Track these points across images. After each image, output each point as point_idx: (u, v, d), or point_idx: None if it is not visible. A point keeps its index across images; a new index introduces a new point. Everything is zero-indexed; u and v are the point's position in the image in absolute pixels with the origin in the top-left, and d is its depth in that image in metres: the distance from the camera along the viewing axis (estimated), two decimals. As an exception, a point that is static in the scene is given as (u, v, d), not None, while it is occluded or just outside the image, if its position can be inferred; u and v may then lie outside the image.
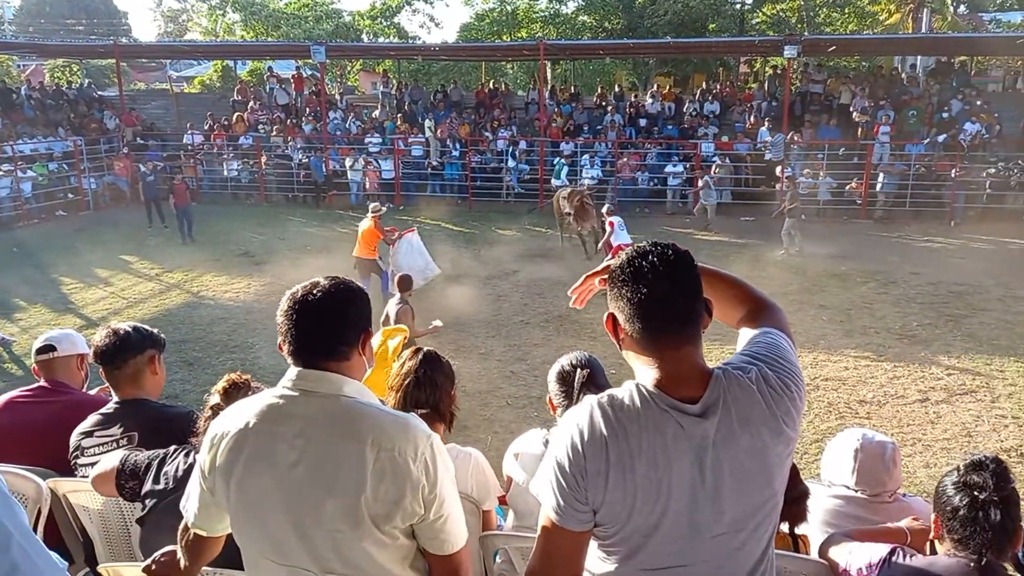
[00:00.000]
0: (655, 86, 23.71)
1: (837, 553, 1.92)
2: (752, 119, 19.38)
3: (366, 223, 10.39)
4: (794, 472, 2.15)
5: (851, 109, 18.88)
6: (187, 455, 2.25)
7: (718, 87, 22.27)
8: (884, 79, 20.57)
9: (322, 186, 19.06)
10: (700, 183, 16.19)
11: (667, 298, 1.43)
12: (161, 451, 2.31)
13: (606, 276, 1.70)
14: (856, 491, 2.32)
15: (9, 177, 16.76)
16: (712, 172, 17.03)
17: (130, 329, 2.74)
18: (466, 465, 2.36)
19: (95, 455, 2.52)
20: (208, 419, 2.18)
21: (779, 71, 21.90)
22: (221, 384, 2.22)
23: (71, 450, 2.64)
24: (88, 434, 2.62)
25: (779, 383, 1.47)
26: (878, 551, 1.81)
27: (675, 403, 1.42)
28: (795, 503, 2.10)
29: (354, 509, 1.54)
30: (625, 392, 1.46)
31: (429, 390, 2.47)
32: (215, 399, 2.21)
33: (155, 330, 2.85)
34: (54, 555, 1.88)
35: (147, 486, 2.24)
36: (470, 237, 15.06)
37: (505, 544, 2.27)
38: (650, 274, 1.44)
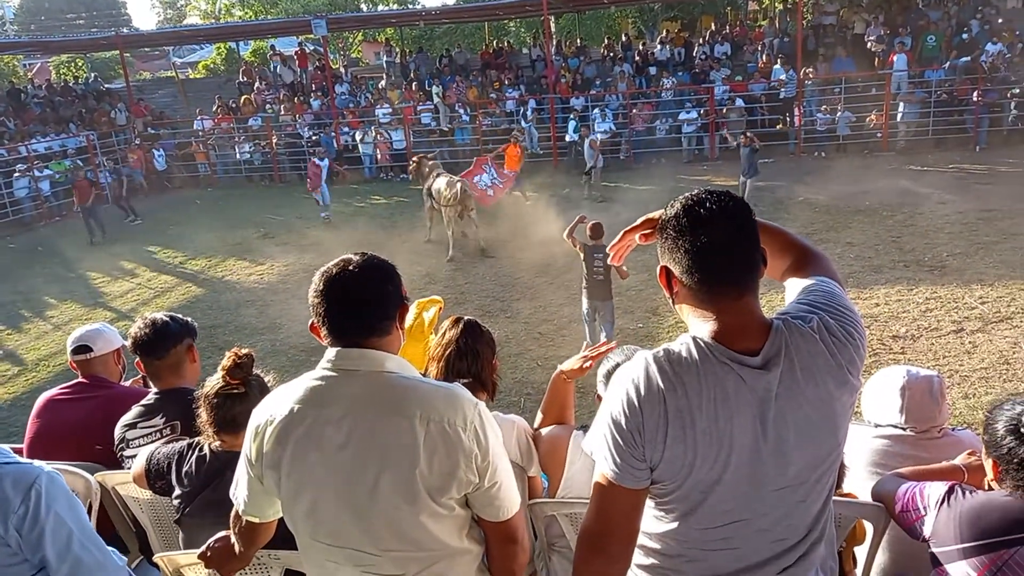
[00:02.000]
0: (663, 32, 23.17)
1: (892, 493, 1.90)
2: (764, 57, 18.92)
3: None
4: None
5: (866, 39, 18.35)
6: (200, 449, 2.26)
7: (727, 28, 21.74)
8: (899, 4, 19.92)
9: (334, 162, 19.00)
10: (586, 143, 15.45)
11: (728, 246, 1.39)
12: (177, 448, 2.32)
13: (647, 231, 1.67)
14: (904, 429, 2.29)
15: (26, 177, 16.89)
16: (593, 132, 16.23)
17: (167, 319, 2.76)
18: (511, 432, 2.36)
19: (140, 446, 2.56)
20: (213, 406, 2.15)
21: (789, 5, 21.35)
22: (227, 361, 2.14)
23: (116, 443, 2.68)
24: (131, 426, 2.65)
25: (841, 331, 1.43)
26: (936, 489, 1.79)
27: (735, 355, 1.38)
28: None
29: (409, 484, 1.53)
30: (681, 345, 1.41)
31: (471, 359, 2.46)
32: (217, 381, 2.16)
33: (188, 318, 2.86)
34: (113, 550, 1.92)
35: (174, 487, 2.27)
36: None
37: (554, 511, 2.27)
38: (710, 221, 1.39)
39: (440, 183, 11.54)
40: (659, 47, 20.90)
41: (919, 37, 17.72)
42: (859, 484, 2.22)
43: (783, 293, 1.66)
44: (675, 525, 1.46)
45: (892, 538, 2.08)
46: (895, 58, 16.80)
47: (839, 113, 16.45)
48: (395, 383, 1.58)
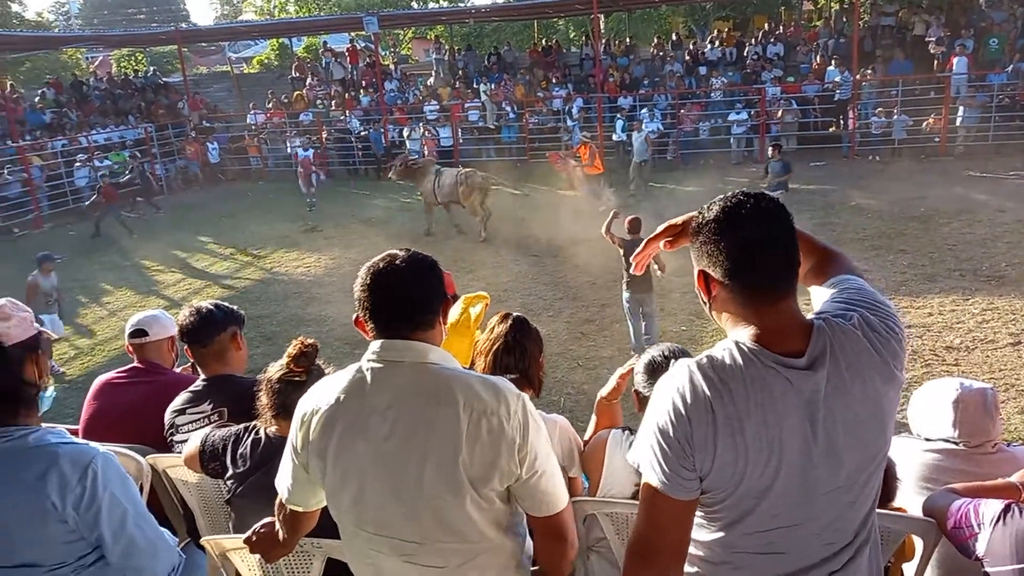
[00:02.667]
0: (714, 31, 22.86)
1: (945, 509, 1.85)
2: (819, 58, 18.53)
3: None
4: None
5: (927, 40, 17.82)
6: (256, 433, 2.30)
7: (780, 28, 21.35)
8: (961, 5, 19.32)
9: (382, 158, 19.24)
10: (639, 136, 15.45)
11: (769, 246, 1.37)
12: (233, 432, 2.37)
13: (670, 238, 1.66)
14: (957, 443, 2.22)
15: (87, 167, 17.43)
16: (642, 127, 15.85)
17: (212, 307, 2.81)
18: (552, 431, 2.36)
19: (189, 431, 2.63)
20: (275, 391, 2.21)
21: (846, 5, 20.83)
22: (293, 349, 2.19)
23: (166, 428, 2.75)
24: (180, 412, 2.72)
25: (883, 326, 1.42)
26: (992, 507, 1.73)
27: (780, 358, 1.35)
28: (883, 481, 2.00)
29: (452, 474, 1.54)
30: (724, 352, 1.39)
31: (518, 355, 2.47)
32: (280, 368, 2.20)
33: (235, 307, 2.91)
34: (165, 531, 1.98)
35: (228, 468, 2.32)
36: (530, 199, 14.97)
37: (595, 510, 2.27)
38: (750, 222, 1.37)
39: (449, 177, 12.25)
40: (710, 47, 20.64)
41: (981, 39, 17.17)
42: (909, 499, 2.17)
43: (804, 296, 1.64)
44: (722, 533, 1.43)
45: (943, 555, 2.02)
46: (955, 61, 16.31)
47: (895, 116, 16.04)
48: (439, 373, 1.60)
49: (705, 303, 1.50)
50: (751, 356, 1.37)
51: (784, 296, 1.39)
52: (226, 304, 2.89)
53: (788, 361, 1.36)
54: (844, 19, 19.95)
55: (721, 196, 1.45)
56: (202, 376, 2.80)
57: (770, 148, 12.38)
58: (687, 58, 20.18)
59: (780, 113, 16.93)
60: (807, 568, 1.42)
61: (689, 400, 1.35)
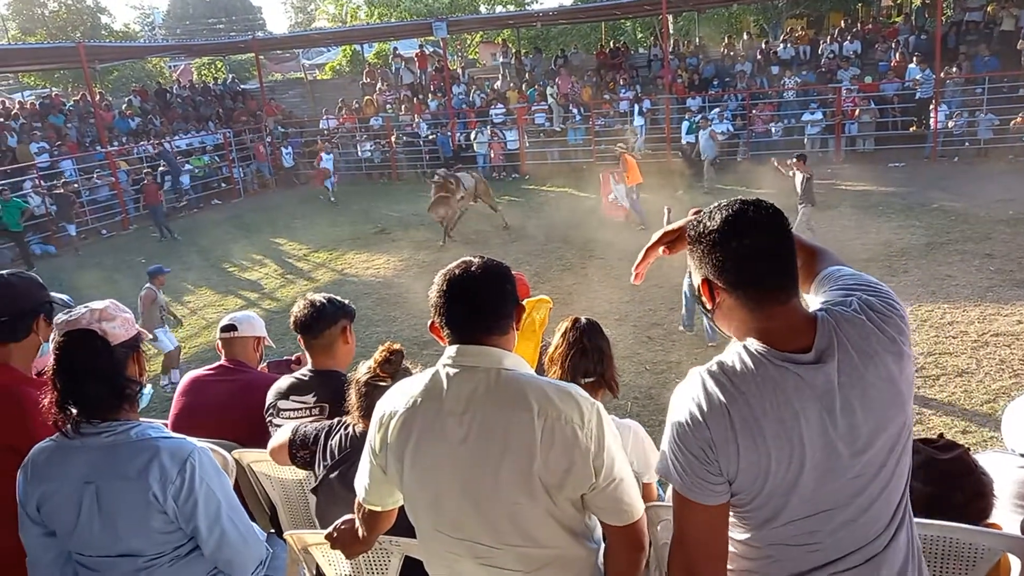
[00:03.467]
0: (787, 30, 22.31)
1: None
2: (898, 56, 17.87)
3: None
4: (965, 465, 1.94)
5: (1020, 36, 16.92)
6: (347, 428, 2.37)
7: (858, 25, 20.67)
8: (1053, -2, 18.33)
9: (449, 160, 19.47)
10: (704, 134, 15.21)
11: (774, 250, 1.40)
12: (326, 423, 2.45)
13: (668, 243, 1.68)
14: (1055, 460, 2.12)
15: (170, 171, 18.21)
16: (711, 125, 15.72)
17: (325, 300, 2.89)
18: (626, 438, 2.36)
19: (287, 418, 2.74)
20: (362, 394, 2.28)
21: (928, 1, 20.03)
22: (379, 354, 2.28)
23: (266, 407, 2.85)
24: (284, 396, 2.82)
25: (883, 305, 1.44)
26: None
27: (788, 356, 1.38)
28: (969, 503, 1.92)
29: (528, 478, 1.56)
30: (733, 356, 1.41)
31: (596, 358, 2.48)
32: (367, 371, 2.28)
33: (347, 301, 2.98)
34: (255, 526, 2.06)
35: (317, 457, 2.39)
36: (596, 202, 14.90)
37: (669, 516, 2.25)
38: (754, 228, 1.40)
39: (467, 179, 13.22)
40: (783, 46, 20.13)
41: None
42: (1004, 518, 2.07)
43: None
44: (758, 530, 1.44)
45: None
46: (1047, 56, 15.49)
47: (981, 115, 15.33)
48: (514, 379, 1.62)
49: (709, 311, 1.51)
50: (760, 358, 1.39)
51: (790, 296, 1.43)
52: (339, 298, 2.96)
53: (797, 358, 1.38)
54: (926, 15, 19.17)
55: (719, 204, 1.46)
56: (310, 366, 2.89)
57: (794, 161, 10.76)
58: (758, 57, 19.74)
59: (857, 112, 16.39)
60: (848, 555, 1.43)
61: (705, 407, 1.38)
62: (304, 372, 2.87)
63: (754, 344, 1.41)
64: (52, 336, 1.94)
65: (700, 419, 1.38)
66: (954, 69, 16.42)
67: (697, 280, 1.49)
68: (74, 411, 1.83)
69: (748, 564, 1.49)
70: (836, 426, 1.36)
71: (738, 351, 1.42)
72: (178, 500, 1.82)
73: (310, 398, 2.78)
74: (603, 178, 13.34)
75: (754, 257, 1.40)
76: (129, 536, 1.85)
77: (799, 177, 10.62)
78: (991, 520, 2.00)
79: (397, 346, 2.29)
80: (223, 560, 1.94)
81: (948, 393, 5.93)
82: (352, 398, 2.30)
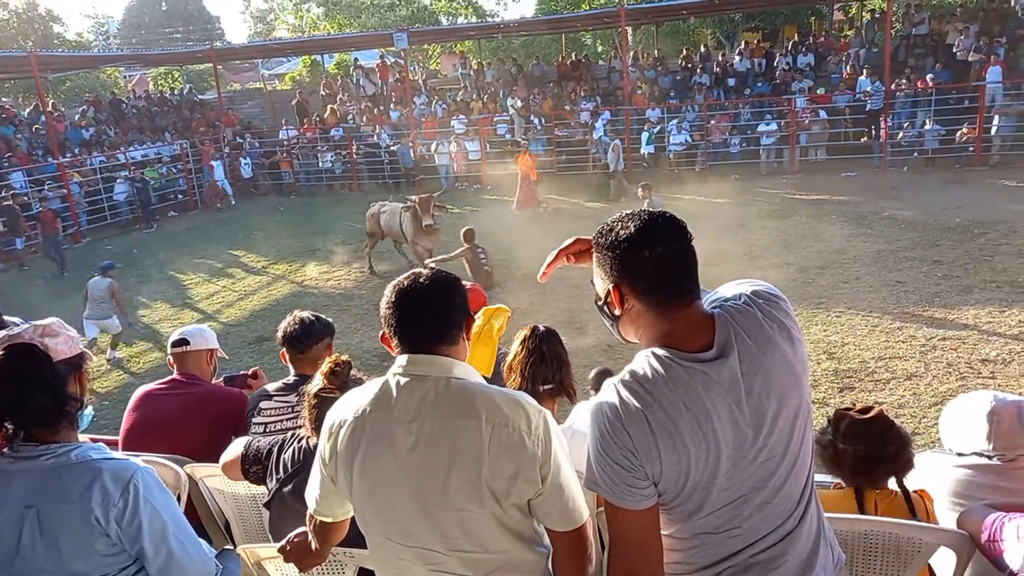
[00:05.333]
0: (743, 43, 22.76)
1: (980, 522, 1.83)
2: (849, 68, 18.37)
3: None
4: (887, 422, 2.15)
5: (955, 49, 17.55)
6: (300, 441, 2.37)
7: (811, 38, 21.19)
8: (996, 13, 19.03)
9: (410, 171, 19.44)
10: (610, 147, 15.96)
11: (681, 257, 1.48)
12: (280, 437, 2.44)
13: (575, 252, 1.78)
14: (991, 458, 2.19)
15: (126, 182, 17.86)
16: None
17: (314, 318, 3.04)
18: (580, 444, 2.38)
19: (269, 416, 2.77)
20: (312, 406, 2.27)
21: (877, 15, 20.64)
22: (326, 367, 2.29)
23: (248, 408, 2.92)
24: (268, 396, 2.89)
25: (767, 294, 1.53)
26: None
27: (694, 356, 1.44)
28: (898, 454, 2.10)
29: (475, 486, 1.58)
30: (643, 364, 1.47)
31: (554, 366, 2.51)
32: (317, 383, 2.29)
33: (330, 319, 3.13)
34: (203, 543, 2.03)
35: (270, 471, 2.38)
36: (558, 213, 15.01)
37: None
38: (663, 237, 1.47)
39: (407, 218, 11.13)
40: (739, 58, 20.55)
41: (1016, 47, 16.88)
42: (940, 516, 2.15)
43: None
44: (684, 523, 1.51)
45: (976, 570, 2.00)
46: (989, 69, 16.05)
47: (928, 127, 15.82)
48: (462, 388, 1.64)
49: (613, 319, 1.56)
50: (669, 361, 1.45)
51: (695, 298, 1.50)
52: (324, 316, 3.12)
53: (701, 356, 1.44)
54: (876, 28, 19.75)
55: (625, 214, 1.53)
56: (293, 372, 3.01)
57: (640, 189, 12.08)
58: (715, 70, 20.12)
59: (808, 123, 16.80)
60: (765, 535, 1.50)
61: (623, 415, 1.43)
62: (288, 377, 3.00)
63: (661, 350, 1.47)
64: None
65: (621, 427, 1.43)
66: (903, 82, 16.93)
67: (605, 287, 1.54)
68: (10, 427, 1.79)
69: (676, 556, 1.55)
70: (744, 414, 1.43)
71: (647, 358, 1.48)
72: (121, 523, 1.79)
73: (292, 398, 2.86)
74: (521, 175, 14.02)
75: (665, 264, 1.46)
76: (73, 560, 1.81)
77: (644, 204, 11.31)
78: (921, 488, 2.10)
79: (344, 357, 2.29)
80: None
81: (898, 396, 6.09)
82: (304, 411, 2.30)
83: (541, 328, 2.68)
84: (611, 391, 1.47)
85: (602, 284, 1.56)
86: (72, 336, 1.94)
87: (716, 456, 1.43)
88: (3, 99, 29.63)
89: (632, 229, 1.48)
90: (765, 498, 1.48)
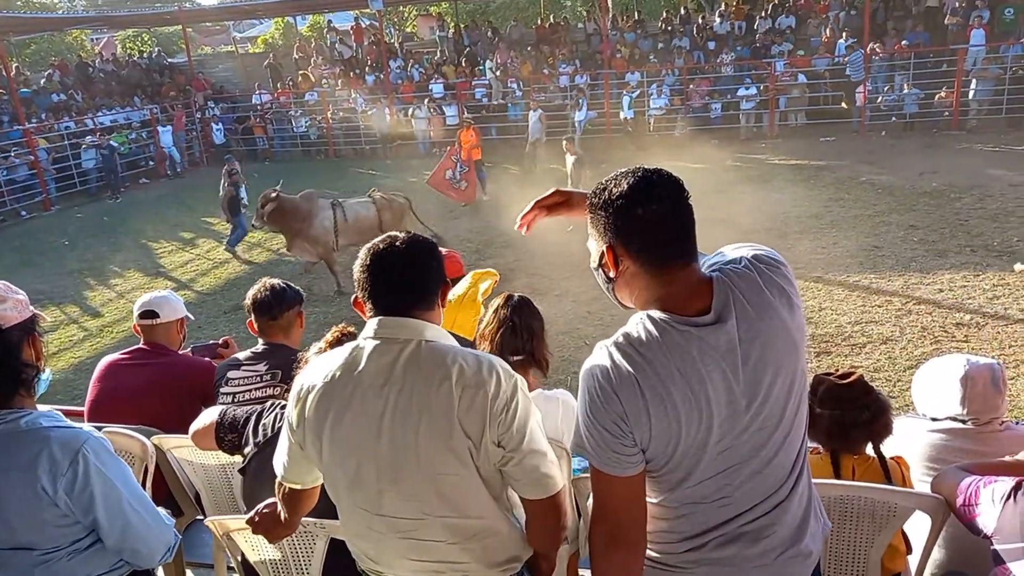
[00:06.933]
0: (723, 5, 22.54)
1: (955, 486, 1.83)
2: (828, 31, 18.26)
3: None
4: (865, 387, 2.14)
5: (945, 12, 17.45)
6: (283, 408, 2.31)
7: (791, 1, 21.01)
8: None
9: (386, 137, 19.16)
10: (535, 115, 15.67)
11: (677, 216, 1.43)
12: (258, 406, 2.39)
13: (548, 206, 1.77)
14: (965, 421, 2.20)
15: (93, 148, 17.42)
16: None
17: (285, 285, 3.01)
18: (555, 410, 2.35)
19: (237, 386, 2.73)
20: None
21: (858, -23, 20.45)
22: (332, 335, 2.24)
23: (216, 378, 2.87)
24: (235, 366, 2.85)
25: (769, 259, 1.49)
26: (1002, 484, 1.71)
27: (690, 320, 1.40)
28: (874, 419, 2.10)
29: (448, 448, 1.55)
30: (638, 326, 1.43)
31: (526, 336, 2.47)
32: (315, 352, 2.23)
33: (299, 288, 3.10)
34: (162, 510, 1.98)
35: (247, 438, 2.32)
36: (536, 178, 14.89)
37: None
38: (659, 195, 1.42)
39: (362, 207, 9.77)
40: (719, 20, 20.36)
41: (995, 10, 16.85)
42: (915, 481, 2.15)
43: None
44: (672, 492, 1.48)
45: (950, 534, 2.01)
46: (972, 32, 16.00)
47: (906, 90, 15.82)
48: (433, 350, 1.60)
49: (608, 280, 1.51)
50: (664, 324, 1.41)
51: (692, 260, 1.46)
52: (293, 284, 3.09)
53: (697, 320, 1.40)
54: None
55: (620, 172, 1.48)
56: (263, 341, 2.98)
57: (564, 142, 11.70)
58: (696, 33, 19.93)
59: (787, 87, 16.74)
60: (755, 505, 1.48)
61: (614, 379, 1.39)
62: (257, 347, 2.97)
63: (656, 313, 1.43)
64: None
65: (611, 392, 1.39)
66: (877, 45, 16.85)
67: (600, 248, 1.49)
68: None
69: (662, 524, 1.52)
70: (739, 382, 1.40)
71: (641, 320, 1.43)
72: (71, 493, 1.73)
73: (262, 367, 2.83)
74: (447, 154, 13.12)
75: (660, 222, 1.42)
76: (22, 530, 1.75)
77: (569, 159, 11.38)
78: (898, 454, 2.10)
79: (351, 329, 2.23)
80: (128, 550, 1.86)
81: (874, 360, 6.14)
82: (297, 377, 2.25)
83: (515, 297, 2.64)
84: (603, 353, 1.42)
85: (596, 246, 1.51)
86: (21, 299, 1.85)
87: (708, 424, 1.40)
88: (-35, 63, 28.71)
89: (625, 187, 1.43)
90: (756, 467, 1.45)
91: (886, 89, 16.26)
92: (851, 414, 2.08)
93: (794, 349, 1.46)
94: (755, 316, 1.41)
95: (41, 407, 1.89)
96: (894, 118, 16.14)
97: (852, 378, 2.13)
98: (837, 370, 2.21)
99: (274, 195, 8.97)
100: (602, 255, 1.48)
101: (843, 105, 16.95)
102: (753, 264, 1.46)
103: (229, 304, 9.17)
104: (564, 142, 11.75)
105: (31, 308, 1.88)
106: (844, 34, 17.37)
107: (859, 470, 2.09)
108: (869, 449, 2.11)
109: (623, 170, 1.48)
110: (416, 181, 15.09)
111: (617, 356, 1.40)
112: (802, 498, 1.53)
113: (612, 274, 1.48)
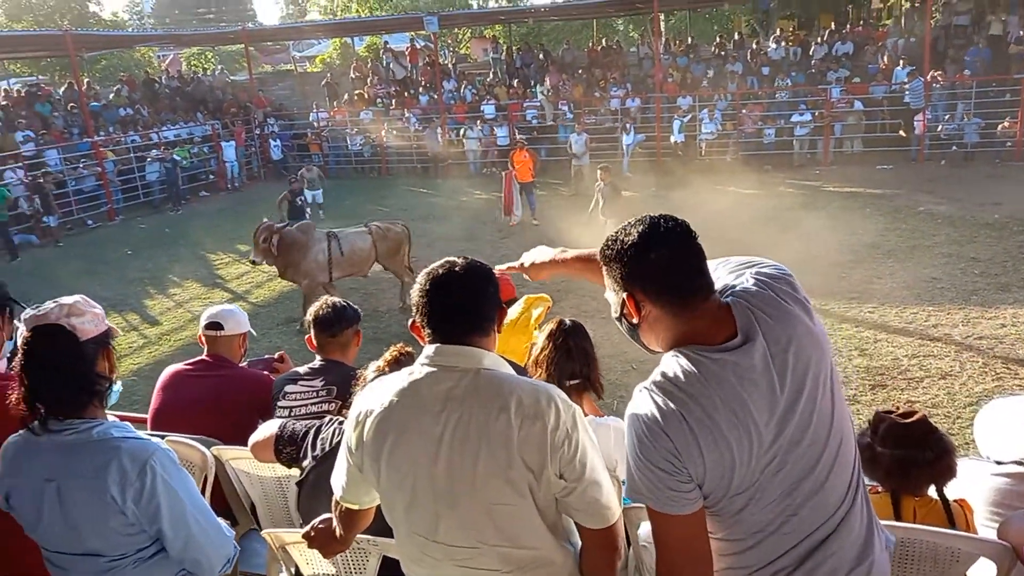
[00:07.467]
0: (778, 30, 22.35)
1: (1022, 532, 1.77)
2: (886, 59, 17.95)
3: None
4: (928, 427, 2.10)
5: (1008, 40, 17.02)
6: (341, 424, 2.36)
7: (848, 26, 20.75)
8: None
9: (438, 156, 19.43)
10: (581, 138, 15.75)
11: (689, 255, 1.47)
12: (317, 421, 2.44)
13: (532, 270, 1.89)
14: (1031, 466, 2.13)
15: (157, 162, 18.04)
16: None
17: (345, 304, 3.13)
18: (606, 437, 2.34)
19: (294, 400, 2.83)
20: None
21: (917, 4, 20.12)
22: (390, 354, 2.29)
23: (274, 391, 2.97)
24: (293, 380, 2.94)
25: (774, 273, 1.53)
26: None
27: (720, 347, 1.43)
28: (937, 460, 2.05)
29: (505, 479, 1.56)
30: (672, 364, 1.45)
31: (581, 360, 2.48)
32: (376, 368, 2.28)
33: (357, 307, 3.23)
34: (222, 523, 2.03)
35: (304, 452, 2.37)
36: (582, 201, 14.90)
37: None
38: (672, 240, 1.47)
39: (358, 238, 9.18)
40: (773, 46, 20.19)
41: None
42: (978, 526, 2.09)
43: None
44: (734, 524, 1.47)
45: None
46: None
47: (967, 120, 15.43)
48: (491, 379, 1.61)
49: (632, 327, 1.55)
50: (697, 357, 1.43)
51: (709, 293, 1.48)
52: (354, 305, 3.22)
53: (727, 346, 1.43)
54: (915, 18, 19.27)
55: (627, 223, 1.53)
56: (320, 358, 3.07)
57: (599, 170, 11.59)
58: (750, 58, 19.80)
59: (843, 113, 16.47)
60: (819, 526, 1.47)
61: (660, 418, 1.41)
62: (314, 362, 3.06)
63: (686, 348, 1.46)
64: (20, 332, 1.90)
65: (659, 431, 1.40)
66: (938, 73, 16.50)
67: (619, 297, 1.53)
68: (42, 408, 1.81)
69: (729, 560, 1.51)
70: (780, 397, 1.41)
71: (674, 357, 1.46)
72: (138, 503, 1.79)
73: (318, 382, 2.91)
74: (506, 178, 13.07)
75: (674, 264, 1.46)
76: (90, 536, 1.82)
77: (601, 185, 11.32)
78: (961, 497, 2.04)
79: (408, 349, 2.28)
80: (190, 560, 1.92)
81: (931, 395, 5.97)
82: (357, 395, 2.31)
83: (567, 322, 2.65)
84: (644, 396, 1.44)
85: (615, 296, 1.55)
86: (98, 314, 1.94)
87: (759, 446, 1.40)
88: (40, 77, 30.07)
89: (635, 235, 1.48)
90: (814, 485, 1.45)
91: (947, 118, 15.90)
92: (913, 454, 2.03)
93: (822, 351, 1.48)
94: (779, 328, 1.44)
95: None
96: (954, 147, 15.76)
97: (915, 417, 2.09)
98: (898, 407, 2.17)
99: (277, 227, 8.72)
100: (623, 304, 1.52)
101: (901, 133, 16.61)
102: (762, 280, 1.50)
103: (282, 316, 9.37)
104: (599, 170, 11.76)
105: (106, 322, 1.97)
106: (902, 62, 17.06)
107: (920, 512, 2.03)
108: (931, 491, 2.06)
109: (630, 221, 1.53)
110: (467, 200, 15.27)
111: (658, 396, 1.42)
112: (863, 513, 1.52)
113: (635, 320, 1.51)
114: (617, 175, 13.79)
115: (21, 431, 1.88)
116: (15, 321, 2.42)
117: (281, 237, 8.57)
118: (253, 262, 8.91)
